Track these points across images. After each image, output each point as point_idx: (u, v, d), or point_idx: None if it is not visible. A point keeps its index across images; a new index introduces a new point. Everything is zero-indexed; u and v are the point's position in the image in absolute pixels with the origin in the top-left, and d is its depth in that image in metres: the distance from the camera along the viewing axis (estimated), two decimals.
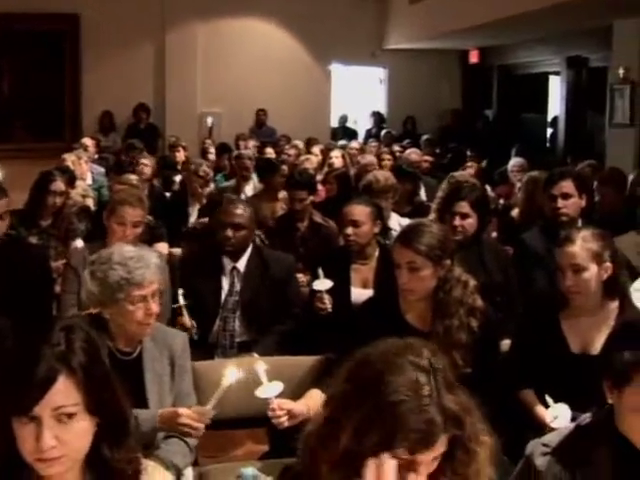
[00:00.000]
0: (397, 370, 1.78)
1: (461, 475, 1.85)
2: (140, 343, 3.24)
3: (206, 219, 6.30)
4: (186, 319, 4.41)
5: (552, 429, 3.16)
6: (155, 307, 3.15)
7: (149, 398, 3.16)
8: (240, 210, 4.71)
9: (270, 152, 10.70)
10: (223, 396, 2.98)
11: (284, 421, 2.93)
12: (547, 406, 3.28)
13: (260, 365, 2.96)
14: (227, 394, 3.21)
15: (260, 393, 2.94)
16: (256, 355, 4.24)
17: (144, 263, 3.13)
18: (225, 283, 4.67)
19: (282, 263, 4.78)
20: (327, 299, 4.51)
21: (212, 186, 8.20)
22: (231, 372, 2.94)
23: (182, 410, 3.03)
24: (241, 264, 4.68)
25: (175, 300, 4.46)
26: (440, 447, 1.76)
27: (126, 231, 4.63)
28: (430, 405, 1.74)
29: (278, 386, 2.96)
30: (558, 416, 3.21)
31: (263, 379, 2.94)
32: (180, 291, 4.40)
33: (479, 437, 1.86)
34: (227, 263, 4.69)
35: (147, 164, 8.35)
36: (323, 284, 4.50)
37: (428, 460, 1.77)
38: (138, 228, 4.71)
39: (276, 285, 4.66)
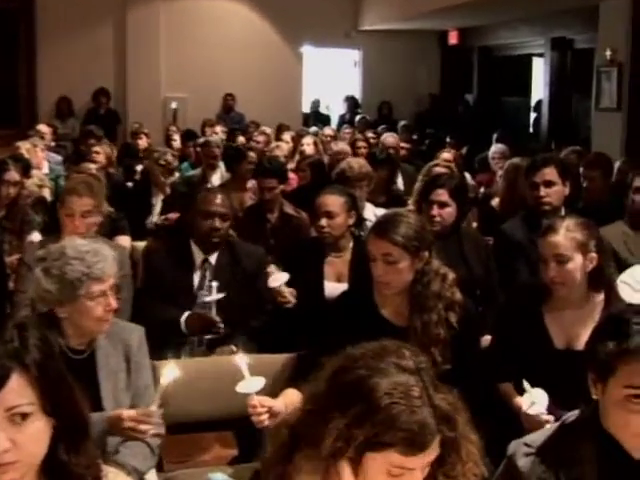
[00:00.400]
0: (382, 373, 1.80)
1: (453, 477, 1.87)
2: (94, 340, 3.23)
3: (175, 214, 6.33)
4: (212, 313, 4.39)
5: (528, 416, 3.20)
6: (114, 302, 3.15)
7: (103, 396, 3.15)
8: (224, 200, 4.69)
9: (242, 140, 10.67)
10: (186, 397, 2.96)
11: (264, 419, 2.90)
12: (524, 391, 3.28)
13: (242, 358, 2.92)
14: (193, 395, 3.19)
15: (241, 388, 2.90)
16: (234, 348, 4.26)
17: (102, 256, 3.12)
18: (195, 277, 4.64)
19: (253, 256, 4.76)
20: (287, 292, 4.51)
21: (177, 175, 8.17)
22: (170, 370, 2.92)
23: (126, 413, 3.00)
24: (213, 257, 4.66)
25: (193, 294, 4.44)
26: (434, 451, 1.79)
27: (75, 222, 4.57)
28: (422, 407, 1.77)
29: (259, 381, 2.91)
30: (535, 402, 3.22)
31: (245, 373, 2.89)
32: (214, 284, 4.36)
33: (469, 435, 1.88)
34: (198, 256, 4.66)
35: (99, 152, 8.28)
36: (277, 280, 4.48)
37: (423, 465, 1.79)
38: (89, 218, 4.63)
39: (248, 279, 4.64)
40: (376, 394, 1.76)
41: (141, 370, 3.29)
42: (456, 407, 1.84)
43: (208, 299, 4.40)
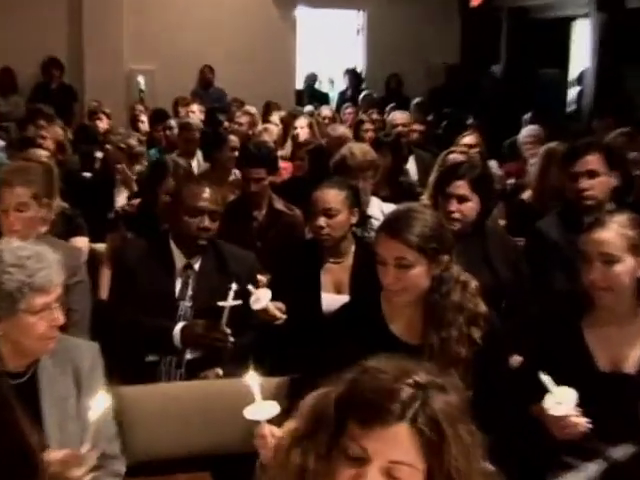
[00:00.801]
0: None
1: None
2: (36, 361, 3.20)
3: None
4: (222, 322, 4.35)
5: (554, 418, 3.17)
6: (61, 317, 3.13)
7: (47, 427, 3.13)
8: (212, 195, 4.64)
9: (227, 125, 10.65)
10: (155, 430, 2.94)
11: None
12: (545, 390, 3.24)
13: (254, 378, 2.90)
14: (163, 428, 3.16)
15: (250, 414, 2.88)
16: (220, 372, 4.24)
17: (46, 263, 3.08)
18: (177, 284, 4.62)
19: (243, 261, 4.72)
20: (273, 309, 4.45)
21: (144, 164, 8.15)
22: (99, 401, 2.89)
23: (52, 456, 2.89)
24: (196, 262, 4.63)
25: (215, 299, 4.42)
26: (403, 447, 1.80)
27: (9, 218, 4.52)
28: (404, 384, 1.82)
29: (273, 407, 2.88)
30: (561, 402, 3.19)
31: (257, 396, 2.88)
32: (234, 286, 4.32)
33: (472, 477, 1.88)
34: (179, 260, 4.64)
35: (46, 136, 8.27)
36: (260, 300, 4.42)
37: (384, 459, 1.80)
38: (26, 213, 4.54)
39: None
40: (367, 363, 1.88)
41: (94, 395, 3.26)
42: (453, 419, 1.86)
43: (222, 304, 4.33)
